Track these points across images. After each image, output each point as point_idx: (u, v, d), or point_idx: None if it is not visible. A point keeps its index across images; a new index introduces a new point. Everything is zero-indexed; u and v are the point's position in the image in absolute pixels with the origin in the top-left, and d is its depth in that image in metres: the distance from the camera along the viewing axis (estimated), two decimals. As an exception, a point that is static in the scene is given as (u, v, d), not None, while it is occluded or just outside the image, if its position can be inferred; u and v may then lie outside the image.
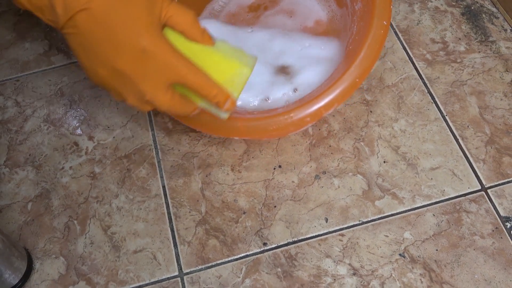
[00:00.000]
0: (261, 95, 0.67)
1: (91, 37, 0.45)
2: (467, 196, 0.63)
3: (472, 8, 0.78)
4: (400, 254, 0.59)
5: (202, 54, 0.50)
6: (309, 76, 0.68)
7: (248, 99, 0.67)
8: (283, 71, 0.69)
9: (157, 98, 0.48)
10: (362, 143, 0.67)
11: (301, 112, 0.59)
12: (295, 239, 0.61)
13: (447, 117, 0.68)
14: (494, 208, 0.62)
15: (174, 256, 0.60)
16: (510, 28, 0.75)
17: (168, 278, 0.59)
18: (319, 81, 0.66)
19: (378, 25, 0.61)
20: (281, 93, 0.67)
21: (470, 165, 0.65)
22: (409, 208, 0.62)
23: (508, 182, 0.63)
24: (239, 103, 0.66)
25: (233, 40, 0.60)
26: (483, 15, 0.77)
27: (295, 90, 0.67)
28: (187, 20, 0.49)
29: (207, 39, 0.51)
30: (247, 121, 0.60)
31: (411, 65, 0.73)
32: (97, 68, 0.47)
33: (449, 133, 0.67)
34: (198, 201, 0.64)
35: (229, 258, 0.60)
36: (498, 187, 0.63)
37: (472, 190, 0.63)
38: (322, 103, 0.59)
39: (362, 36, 0.61)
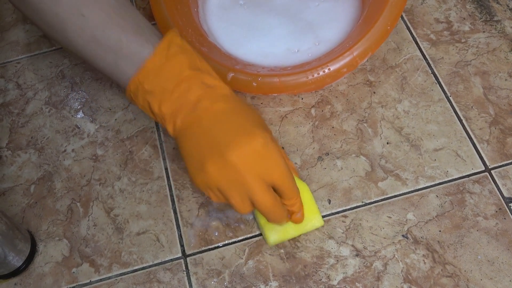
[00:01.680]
0: (290, 47, 0.71)
1: (206, 130, 0.51)
2: (470, 177, 0.62)
3: (477, -13, 0.77)
4: (403, 235, 0.59)
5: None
6: (329, 29, 0.71)
7: (277, 51, 0.71)
8: (304, 25, 0.72)
9: (262, 196, 0.51)
10: (365, 124, 0.66)
11: (338, 62, 0.61)
12: (298, 220, 0.61)
13: (451, 98, 0.68)
14: (497, 189, 0.61)
15: (177, 238, 0.61)
16: (516, 7, 0.75)
17: (171, 260, 0.59)
18: (339, 32, 0.70)
19: None
20: (306, 47, 0.71)
21: (474, 146, 0.64)
22: (412, 189, 0.62)
23: (512, 163, 0.63)
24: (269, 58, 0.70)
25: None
26: (488, -6, 0.76)
27: (317, 43, 0.70)
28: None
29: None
30: (284, 76, 0.61)
31: (415, 45, 0.72)
32: (208, 164, 0.50)
33: (453, 114, 0.67)
34: (200, 183, 0.64)
35: (232, 240, 0.60)
36: (502, 168, 0.63)
37: (475, 171, 0.63)
38: (356, 52, 0.61)
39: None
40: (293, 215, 0.56)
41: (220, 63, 0.63)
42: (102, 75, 0.57)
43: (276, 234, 0.57)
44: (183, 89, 0.51)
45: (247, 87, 0.63)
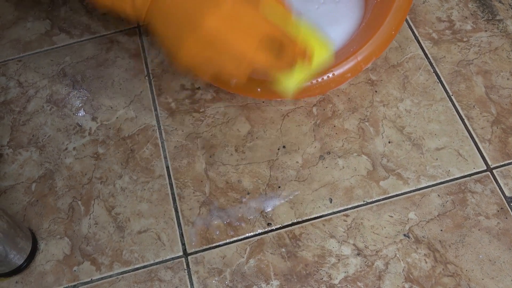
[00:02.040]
0: None
1: (176, 9, 0.46)
2: (472, 177, 0.62)
3: (479, -14, 0.77)
4: (404, 235, 0.59)
5: (290, 24, 0.52)
6: (331, 32, 0.70)
7: None
8: None
9: (255, 54, 0.48)
10: (367, 123, 0.66)
11: (342, 67, 0.61)
12: (299, 219, 0.61)
13: (452, 97, 0.68)
14: (499, 189, 0.61)
15: (179, 237, 0.61)
16: (518, 6, 0.74)
17: (173, 258, 0.59)
18: (340, 34, 0.69)
19: None
20: None
21: (475, 145, 0.64)
22: (414, 188, 0.62)
23: (513, 162, 0.63)
24: None
25: None
26: (490, -7, 0.76)
27: None
28: None
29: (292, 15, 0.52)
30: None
31: (417, 44, 0.72)
32: (189, 40, 0.47)
33: (455, 113, 0.66)
34: (202, 181, 0.64)
35: (233, 239, 0.60)
36: (504, 167, 0.63)
37: (477, 170, 0.63)
38: (360, 57, 0.60)
39: None
40: (299, 57, 0.52)
41: None
42: None
43: (290, 81, 0.55)
44: None
45: (252, 92, 0.62)
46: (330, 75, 0.60)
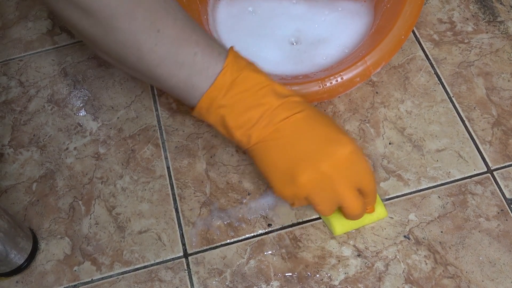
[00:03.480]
0: (300, 55, 0.70)
1: (293, 142, 0.52)
2: (472, 178, 0.62)
3: (481, -13, 0.77)
4: (404, 236, 0.59)
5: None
6: (340, 38, 0.70)
7: (287, 60, 0.70)
8: (315, 33, 0.72)
9: (353, 202, 0.53)
10: (367, 125, 0.66)
11: (351, 72, 0.60)
12: (300, 220, 0.61)
13: (453, 99, 0.68)
14: (499, 190, 0.61)
15: (179, 237, 0.61)
16: (519, 8, 0.74)
17: (173, 259, 0.60)
18: (348, 43, 0.69)
19: None
20: (317, 55, 0.70)
21: (476, 147, 0.64)
22: (414, 190, 0.62)
23: (514, 164, 0.63)
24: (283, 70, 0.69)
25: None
26: (492, -5, 0.76)
27: (325, 57, 0.69)
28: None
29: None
30: (297, 86, 0.61)
31: (418, 45, 0.72)
32: (293, 177, 0.51)
33: (456, 114, 0.66)
34: (202, 182, 0.64)
35: (234, 239, 0.60)
36: (504, 169, 0.63)
37: (477, 172, 0.63)
38: (370, 62, 0.60)
39: None
40: (368, 211, 0.58)
41: None
42: (169, 93, 0.56)
43: (342, 225, 0.58)
44: (258, 101, 0.51)
45: None
46: (339, 79, 0.60)
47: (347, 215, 0.55)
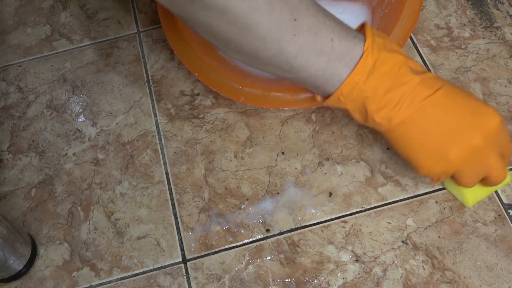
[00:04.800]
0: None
1: (439, 120, 0.51)
2: (470, 183, 0.63)
3: (477, -7, 0.77)
4: (402, 241, 0.60)
5: None
6: None
7: None
8: None
9: (501, 172, 0.53)
10: (365, 130, 0.67)
11: None
12: (298, 225, 0.61)
13: (451, 104, 0.68)
14: (497, 196, 0.62)
15: (178, 243, 0.61)
16: (515, 14, 0.75)
17: (172, 264, 0.60)
18: None
19: None
20: None
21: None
22: (412, 195, 0.62)
23: (511, 169, 0.63)
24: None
25: None
26: (488, 1, 0.76)
27: None
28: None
29: None
30: (295, 91, 0.61)
31: (415, 51, 0.72)
32: (444, 154, 0.52)
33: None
34: (201, 187, 0.64)
35: (232, 245, 0.60)
36: (501, 174, 0.63)
37: (475, 177, 0.63)
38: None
39: None
40: (498, 183, 0.57)
41: (231, 77, 0.63)
42: (302, 85, 0.55)
43: (475, 196, 0.59)
44: (399, 81, 0.50)
45: (259, 101, 0.63)
46: None
47: (492, 183, 0.55)
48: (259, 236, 0.61)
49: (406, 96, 0.50)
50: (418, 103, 0.50)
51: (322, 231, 0.60)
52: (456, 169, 0.53)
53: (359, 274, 0.58)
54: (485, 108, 0.52)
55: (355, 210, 0.62)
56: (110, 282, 0.59)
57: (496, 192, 0.62)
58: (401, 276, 0.58)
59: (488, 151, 0.51)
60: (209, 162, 0.65)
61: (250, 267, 0.59)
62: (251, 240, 0.61)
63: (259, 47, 0.49)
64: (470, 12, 0.75)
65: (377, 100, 0.51)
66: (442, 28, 0.74)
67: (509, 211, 0.61)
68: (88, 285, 0.59)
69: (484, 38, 0.73)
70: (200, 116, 0.69)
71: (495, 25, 0.74)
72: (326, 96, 0.54)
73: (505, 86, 0.69)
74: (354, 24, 0.71)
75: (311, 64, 0.50)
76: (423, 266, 0.58)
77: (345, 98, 0.52)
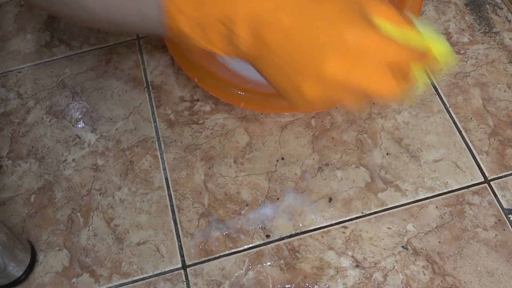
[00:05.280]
0: None
1: (290, 51, 0.40)
2: (470, 188, 0.63)
3: (476, -2, 0.77)
4: (403, 246, 0.59)
5: (411, 35, 0.45)
6: None
7: None
8: None
9: (382, 85, 0.42)
10: (365, 135, 0.67)
11: None
12: (298, 231, 0.61)
13: (450, 109, 0.68)
14: (497, 200, 0.62)
15: (177, 249, 0.61)
16: (514, 19, 0.75)
17: (172, 270, 0.59)
18: None
19: None
20: None
21: (473, 157, 0.64)
22: (412, 200, 0.62)
23: (511, 174, 0.63)
24: None
25: None
26: (487, 6, 0.76)
27: None
28: (385, 8, 0.43)
29: (411, 23, 0.45)
30: None
31: (415, 56, 0.72)
32: (308, 85, 0.41)
33: (452, 125, 0.67)
34: (201, 193, 0.64)
35: (232, 250, 0.60)
36: (501, 179, 0.63)
37: (475, 182, 0.63)
38: None
39: (398, 4, 0.64)
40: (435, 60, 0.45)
41: (231, 82, 0.63)
42: (128, 25, 0.44)
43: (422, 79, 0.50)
44: None
45: (259, 106, 0.63)
46: None
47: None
48: (259, 242, 0.61)
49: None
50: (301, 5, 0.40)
51: (322, 236, 0.60)
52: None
53: (359, 279, 0.58)
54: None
55: (355, 216, 0.62)
56: (109, 288, 0.59)
57: (496, 197, 0.62)
58: (401, 282, 0.57)
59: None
60: (209, 168, 0.65)
61: (250, 273, 0.59)
62: (251, 246, 0.60)
63: None
64: (469, 18, 0.76)
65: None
66: (441, 34, 0.74)
67: (509, 216, 0.61)
68: (88, 291, 0.59)
69: (483, 43, 0.73)
70: (199, 122, 0.69)
71: (494, 30, 0.74)
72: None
73: (505, 91, 0.69)
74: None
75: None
76: (423, 272, 0.58)
77: (177, 14, 0.40)
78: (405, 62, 0.43)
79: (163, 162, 0.66)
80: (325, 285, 0.58)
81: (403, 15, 0.45)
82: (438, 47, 0.48)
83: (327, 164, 0.65)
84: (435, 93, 0.69)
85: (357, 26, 0.40)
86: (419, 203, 0.62)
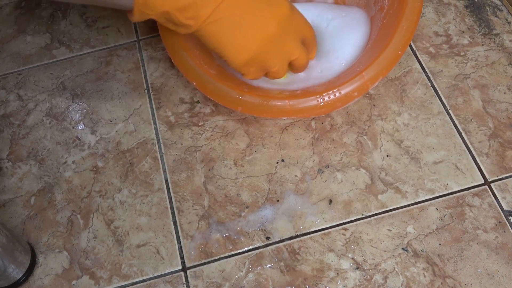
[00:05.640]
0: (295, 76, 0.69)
1: (238, 14, 0.53)
2: (470, 190, 0.63)
3: (476, 0, 0.77)
4: (403, 248, 0.59)
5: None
6: (336, 58, 0.70)
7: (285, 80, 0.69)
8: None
9: (301, 54, 0.59)
10: (365, 137, 0.67)
11: (349, 86, 0.60)
12: (298, 233, 0.61)
13: (450, 111, 0.68)
14: (497, 202, 0.62)
15: (177, 251, 0.61)
16: (514, 21, 0.75)
17: (172, 273, 0.59)
18: (351, 49, 0.70)
19: None
20: (313, 74, 0.69)
21: (473, 159, 0.64)
22: (412, 202, 0.62)
23: (511, 176, 0.63)
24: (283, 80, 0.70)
25: None
26: (487, 8, 0.77)
27: (320, 71, 0.69)
28: None
29: None
30: (294, 100, 0.61)
31: (414, 58, 0.72)
32: (247, 43, 0.55)
33: (452, 126, 0.67)
34: (201, 195, 0.64)
35: (232, 252, 0.60)
36: (501, 181, 0.63)
37: (475, 184, 0.63)
38: (368, 76, 0.60)
39: (398, 9, 0.64)
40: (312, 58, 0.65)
41: (229, 86, 0.63)
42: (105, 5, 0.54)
43: None
44: None
45: (257, 110, 0.62)
46: (337, 94, 0.60)
47: (296, 68, 0.61)
48: (259, 244, 0.61)
49: None
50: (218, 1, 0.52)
51: (322, 238, 0.60)
52: (262, 59, 0.56)
53: (359, 281, 0.58)
54: None
55: (355, 218, 0.61)
56: (109, 290, 0.59)
57: (496, 199, 0.62)
58: (401, 284, 0.57)
59: (285, 37, 0.56)
60: (209, 170, 0.65)
61: (250, 275, 0.59)
62: (251, 248, 0.60)
63: None
64: (469, 19, 0.76)
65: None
66: (441, 35, 0.74)
67: (509, 218, 0.61)
68: (88, 293, 0.59)
69: (483, 45, 0.73)
70: (199, 124, 0.69)
71: (494, 32, 0.74)
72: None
73: (504, 93, 0.69)
74: (357, 27, 0.71)
75: None
76: (423, 274, 0.58)
77: (145, 7, 0.51)
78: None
79: (163, 164, 0.66)
80: (326, 287, 0.58)
81: None
82: None
83: (327, 166, 0.65)
84: (435, 95, 0.69)
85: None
86: (419, 205, 0.62)
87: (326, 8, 0.73)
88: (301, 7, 0.71)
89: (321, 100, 0.60)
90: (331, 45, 0.70)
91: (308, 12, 0.72)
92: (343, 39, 0.70)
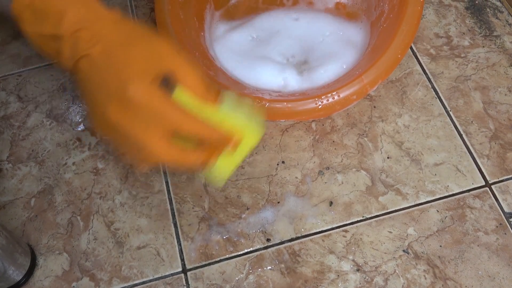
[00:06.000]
0: (294, 78, 0.70)
1: (91, 83, 0.45)
2: (471, 192, 0.63)
3: (477, 2, 0.77)
4: (403, 250, 0.59)
5: (208, 112, 0.46)
6: (335, 63, 0.70)
7: (283, 82, 0.69)
8: (313, 57, 0.72)
9: (154, 149, 0.44)
10: (365, 139, 0.66)
11: (348, 90, 0.61)
12: (299, 235, 0.61)
13: (451, 113, 0.68)
14: (498, 204, 0.62)
15: (178, 252, 0.60)
16: (515, 23, 0.75)
17: (172, 274, 0.59)
18: (345, 66, 0.69)
19: (415, 1, 0.63)
20: (312, 77, 0.69)
21: (474, 161, 0.64)
22: (413, 204, 0.62)
23: (512, 178, 0.63)
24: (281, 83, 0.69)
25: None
26: (488, 10, 0.77)
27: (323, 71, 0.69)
28: (191, 77, 0.46)
29: (213, 97, 0.47)
30: (293, 103, 0.61)
31: (415, 60, 0.72)
32: (96, 116, 0.45)
33: (453, 128, 0.67)
34: (201, 197, 0.64)
35: (233, 254, 0.60)
36: (502, 183, 0.63)
37: (476, 186, 0.63)
38: (367, 80, 0.60)
39: (398, 13, 0.64)
40: (227, 146, 0.47)
41: (228, 87, 0.63)
42: None
43: (219, 172, 0.49)
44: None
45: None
46: (336, 97, 0.60)
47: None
48: (260, 246, 0.60)
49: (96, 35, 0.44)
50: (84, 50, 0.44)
51: (322, 240, 0.60)
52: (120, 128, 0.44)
53: (360, 283, 0.58)
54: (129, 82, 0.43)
55: (356, 219, 0.61)
56: (109, 292, 0.59)
57: (497, 201, 0.62)
58: (402, 286, 0.57)
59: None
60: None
61: (251, 277, 0.59)
62: (251, 249, 0.60)
63: None
64: (469, 21, 0.76)
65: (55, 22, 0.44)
66: (441, 37, 0.74)
67: (510, 220, 0.61)
68: (88, 295, 0.59)
69: (483, 46, 0.73)
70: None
71: (495, 33, 0.74)
72: None
73: (505, 95, 0.69)
74: (357, 37, 0.71)
75: None
76: (424, 276, 0.58)
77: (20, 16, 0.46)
78: (194, 136, 0.45)
79: (163, 166, 0.66)
80: (326, 289, 0.58)
81: (213, 93, 0.47)
82: (241, 130, 0.47)
83: (327, 168, 0.65)
84: (436, 96, 0.69)
85: (140, 85, 0.43)
86: (420, 206, 0.62)
87: (327, 23, 0.73)
88: (304, 18, 0.71)
89: (320, 103, 0.60)
90: (318, 61, 0.70)
91: (309, 24, 0.73)
92: (339, 53, 0.70)
